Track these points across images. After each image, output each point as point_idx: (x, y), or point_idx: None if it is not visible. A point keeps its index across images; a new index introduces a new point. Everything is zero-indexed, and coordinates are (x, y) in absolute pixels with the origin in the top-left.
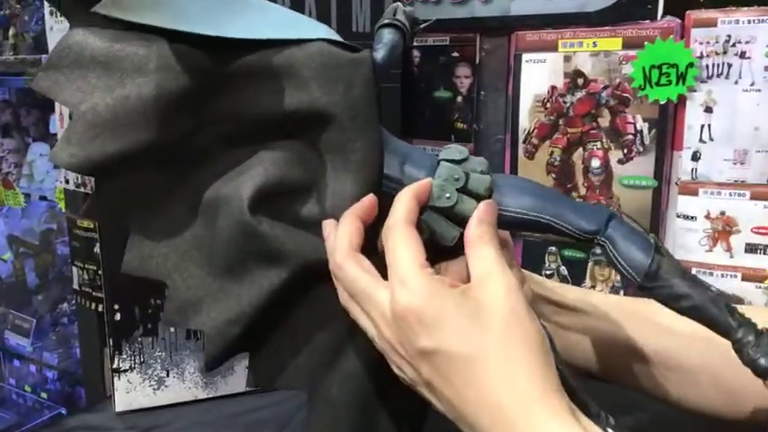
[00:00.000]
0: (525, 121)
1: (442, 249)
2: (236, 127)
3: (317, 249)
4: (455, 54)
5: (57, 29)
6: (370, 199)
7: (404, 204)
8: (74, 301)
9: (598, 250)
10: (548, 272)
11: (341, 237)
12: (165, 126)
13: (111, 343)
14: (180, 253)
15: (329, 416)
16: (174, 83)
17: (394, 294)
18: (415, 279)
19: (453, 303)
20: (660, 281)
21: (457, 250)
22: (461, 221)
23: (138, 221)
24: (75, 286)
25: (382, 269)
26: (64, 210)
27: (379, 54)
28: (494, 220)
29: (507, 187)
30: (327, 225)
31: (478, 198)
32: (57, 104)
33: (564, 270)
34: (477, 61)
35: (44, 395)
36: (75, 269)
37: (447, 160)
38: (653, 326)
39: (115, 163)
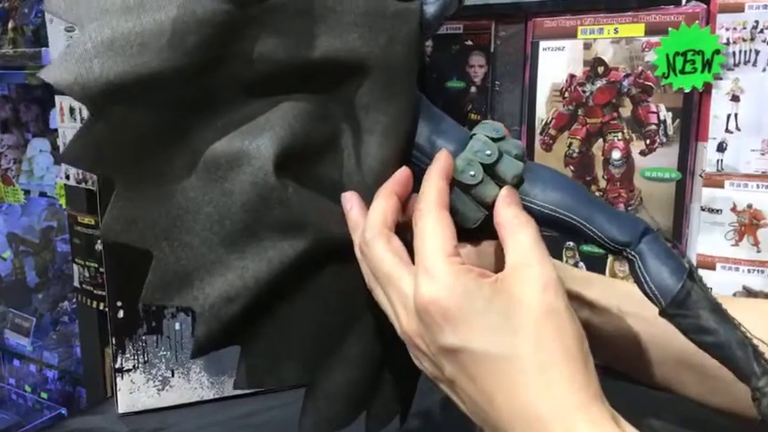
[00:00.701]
0: (542, 112)
1: (463, 232)
2: (256, 72)
3: (340, 221)
4: (468, 42)
5: (57, 21)
6: (405, 174)
7: (434, 185)
8: (74, 300)
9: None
10: None
11: (375, 211)
12: (177, 56)
13: (113, 342)
14: (171, 217)
15: (327, 407)
16: (198, 5)
17: (418, 284)
18: (442, 268)
19: (482, 297)
20: (686, 309)
21: (479, 235)
22: (481, 204)
23: (126, 177)
24: (76, 284)
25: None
26: (65, 206)
27: (431, 9)
28: (519, 204)
29: (539, 178)
30: (348, 198)
31: (503, 184)
32: (57, 99)
33: (582, 266)
34: (492, 50)
35: (44, 395)
36: (75, 267)
37: (482, 135)
38: None
39: (112, 92)
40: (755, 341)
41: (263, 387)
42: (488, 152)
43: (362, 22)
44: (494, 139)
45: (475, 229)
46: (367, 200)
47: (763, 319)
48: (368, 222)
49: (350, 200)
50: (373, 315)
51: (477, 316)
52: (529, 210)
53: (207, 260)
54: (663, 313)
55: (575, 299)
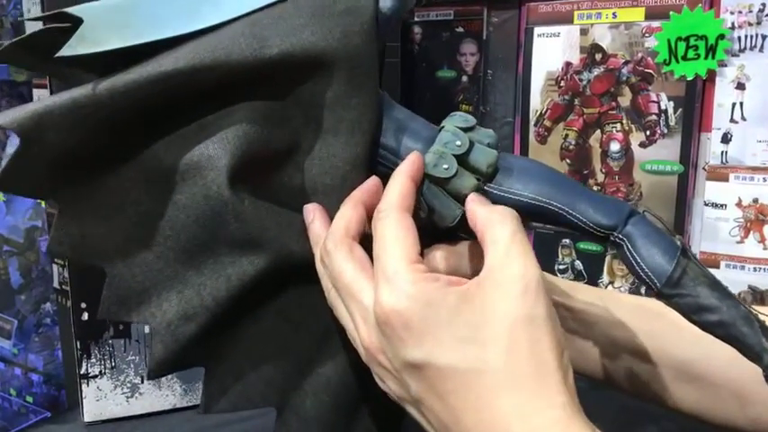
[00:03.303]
0: (537, 102)
1: (442, 233)
2: (206, 78)
3: (303, 235)
4: (460, 29)
5: (34, 12)
6: (374, 182)
7: (398, 185)
8: (55, 301)
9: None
10: (561, 266)
11: (338, 220)
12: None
13: (77, 346)
14: (124, 233)
15: None
16: None
17: (378, 294)
18: (404, 277)
19: (448, 307)
20: (684, 288)
21: (457, 235)
22: (457, 200)
23: (66, 196)
24: (56, 285)
25: None
26: (43, 204)
27: (387, 3)
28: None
29: (516, 168)
30: (310, 210)
31: (479, 175)
32: (35, 94)
33: (579, 265)
34: (485, 37)
35: (30, 399)
36: (55, 267)
37: (451, 126)
38: (676, 332)
39: (41, 116)
40: (762, 317)
41: (229, 411)
42: (458, 143)
43: (312, 23)
44: (464, 129)
45: (453, 229)
46: (337, 206)
47: None
48: (330, 231)
49: (311, 212)
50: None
51: (442, 327)
52: (507, 200)
53: (164, 276)
54: (659, 295)
55: (561, 308)
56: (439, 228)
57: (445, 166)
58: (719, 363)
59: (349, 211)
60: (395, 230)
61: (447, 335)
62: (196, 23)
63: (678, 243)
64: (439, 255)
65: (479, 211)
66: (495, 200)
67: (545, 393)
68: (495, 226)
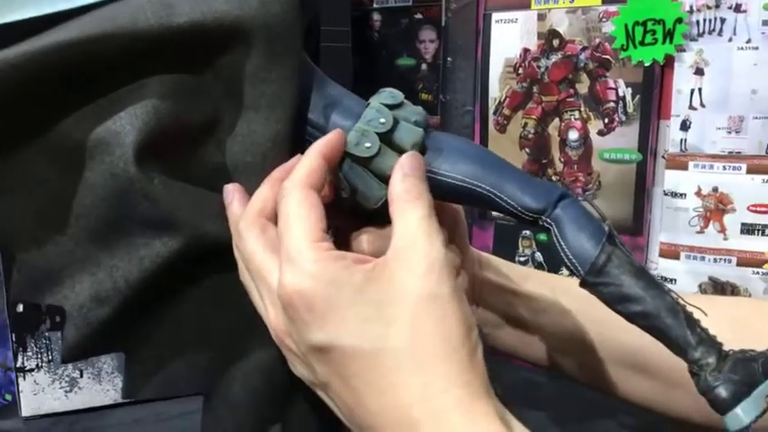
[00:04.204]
0: (496, 90)
1: (369, 215)
2: (112, 48)
3: (220, 216)
4: (418, 16)
5: None
6: (296, 161)
7: (306, 161)
8: None
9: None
10: (522, 258)
11: (254, 200)
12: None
13: (13, 338)
14: (33, 212)
15: (229, 420)
16: None
17: (281, 275)
18: (307, 256)
19: (352, 285)
20: (607, 276)
21: (384, 216)
22: (383, 180)
23: None
24: None
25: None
26: None
27: None
28: (421, 175)
29: (444, 148)
30: (230, 191)
31: (402, 154)
32: None
33: (539, 256)
34: (443, 23)
35: (8, 397)
36: None
37: (377, 103)
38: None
39: None
40: (689, 309)
41: (152, 396)
42: (382, 120)
43: None
44: (390, 107)
45: (380, 210)
46: (258, 185)
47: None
48: (245, 212)
49: (231, 193)
50: None
51: (346, 307)
52: (434, 181)
53: (76, 257)
54: (583, 283)
55: (510, 294)
56: (366, 209)
57: (367, 145)
58: (667, 352)
59: (266, 191)
60: (297, 208)
61: (350, 314)
62: None
63: (606, 228)
64: (365, 238)
65: (395, 189)
66: None
67: (448, 372)
68: (407, 206)
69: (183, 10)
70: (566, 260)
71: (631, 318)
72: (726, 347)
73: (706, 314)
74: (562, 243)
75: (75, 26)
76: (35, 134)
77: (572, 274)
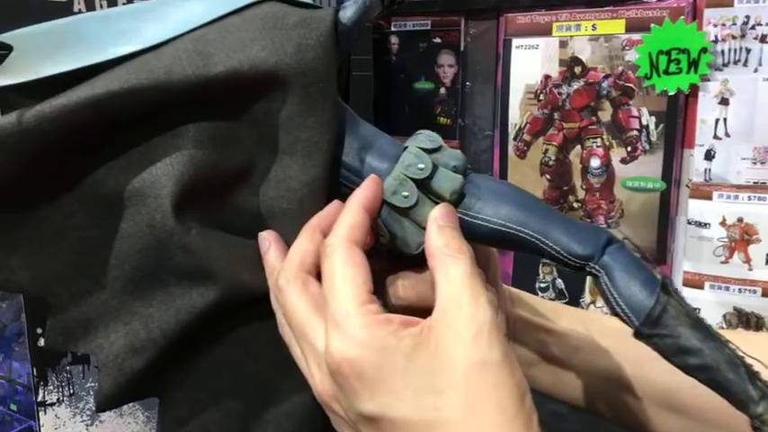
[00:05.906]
0: (516, 116)
1: (409, 260)
2: (141, 96)
3: (257, 265)
4: (437, 40)
5: None
6: (334, 208)
7: (348, 216)
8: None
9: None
10: (542, 284)
11: (293, 252)
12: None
13: (34, 372)
14: (66, 262)
15: None
16: None
17: (328, 341)
18: (354, 322)
19: (402, 353)
20: (663, 328)
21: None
22: (422, 226)
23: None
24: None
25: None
26: None
27: (347, 12)
28: (457, 226)
29: (484, 190)
30: (265, 238)
31: (441, 201)
32: None
33: (560, 283)
34: (462, 48)
35: (14, 407)
36: None
37: (414, 147)
38: (661, 359)
39: None
40: (749, 360)
41: None
42: (421, 165)
43: (262, 37)
44: (428, 150)
45: (419, 254)
46: (294, 231)
47: None
48: (284, 265)
49: (267, 240)
50: None
51: (396, 376)
52: (475, 226)
53: (110, 306)
54: (637, 334)
55: (543, 332)
56: (404, 254)
57: (405, 194)
58: (706, 392)
59: (305, 243)
60: (343, 268)
61: (401, 384)
62: (136, 43)
63: (659, 277)
64: (407, 283)
65: (433, 243)
66: (463, 225)
67: None
68: (448, 261)
69: (219, 59)
70: (617, 309)
71: (689, 370)
72: None
73: (767, 366)
74: (613, 292)
75: (111, 78)
76: (72, 185)
77: (624, 323)
